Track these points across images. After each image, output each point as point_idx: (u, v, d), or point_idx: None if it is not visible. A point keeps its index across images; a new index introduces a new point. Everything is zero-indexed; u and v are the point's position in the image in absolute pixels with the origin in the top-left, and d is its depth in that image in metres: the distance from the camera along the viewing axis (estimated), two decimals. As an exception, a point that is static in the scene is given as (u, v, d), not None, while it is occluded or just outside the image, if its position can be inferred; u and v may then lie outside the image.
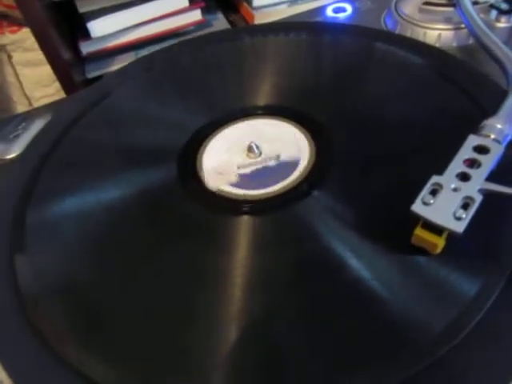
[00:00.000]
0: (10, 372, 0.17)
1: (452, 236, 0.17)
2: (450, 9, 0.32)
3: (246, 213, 0.22)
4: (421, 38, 0.33)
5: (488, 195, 0.18)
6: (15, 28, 0.63)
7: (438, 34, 0.33)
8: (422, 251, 0.18)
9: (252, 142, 0.25)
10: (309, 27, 0.33)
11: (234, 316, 0.18)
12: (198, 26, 0.55)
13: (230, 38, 0.33)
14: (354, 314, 0.18)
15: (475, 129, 0.20)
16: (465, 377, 0.16)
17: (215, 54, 0.32)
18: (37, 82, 0.65)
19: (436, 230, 0.17)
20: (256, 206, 0.22)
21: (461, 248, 0.18)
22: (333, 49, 0.31)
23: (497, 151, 0.19)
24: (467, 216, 0.17)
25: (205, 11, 0.55)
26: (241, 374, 0.16)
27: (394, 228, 0.19)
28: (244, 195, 0.23)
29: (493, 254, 0.18)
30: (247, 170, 0.24)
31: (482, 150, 0.19)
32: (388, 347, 0.16)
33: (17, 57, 0.65)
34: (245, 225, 0.21)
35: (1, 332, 0.19)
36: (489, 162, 0.18)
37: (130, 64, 0.34)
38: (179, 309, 0.19)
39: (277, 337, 0.17)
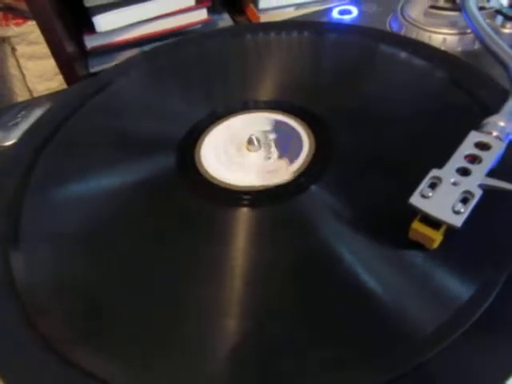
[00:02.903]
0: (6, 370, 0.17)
1: (450, 231, 0.17)
2: (456, 13, 0.32)
3: (243, 204, 0.22)
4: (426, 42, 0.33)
5: (488, 192, 0.17)
6: (20, 21, 0.63)
7: (443, 38, 0.33)
8: (420, 248, 0.18)
9: (252, 135, 0.24)
10: (311, 26, 0.32)
11: (233, 307, 0.18)
12: (204, 25, 0.55)
13: (231, 34, 0.33)
14: (348, 309, 0.17)
15: (477, 126, 0.20)
16: (458, 376, 0.15)
17: (217, 50, 0.32)
18: (40, 75, 0.65)
19: (434, 223, 0.17)
20: (254, 198, 0.22)
21: (460, 247, 0.18)
22: (333, 47, 0.31)
23: (498, 148, 0.18)
24: (466, 210, 0.16)
25: (211, 11, 0.56)
26: (238, 364, 0.16)
27: (392, 224, 0.19)
28: (242, 187, 0.22)
29: (492, 253, 0.18)
30: (246, 162, 0.24)
31: (483, 146, 0.19)
32: (381, 344, 0.16)
33: (21, 49, 0.65)
34: (242, 216, 0.21)
35: None
36: (490, 158, 0.18)
37: (132, 56, 0.34)
38: (178, 300, 0.18)
39: (273, 329, 0.17)
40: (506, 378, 0.15)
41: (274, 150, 0.24)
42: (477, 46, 0.32)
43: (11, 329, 0.18)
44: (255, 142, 0.24)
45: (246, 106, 0.27)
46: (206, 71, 0.31)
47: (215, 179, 0.23)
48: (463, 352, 0.15)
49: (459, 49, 0.32)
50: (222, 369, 0.16)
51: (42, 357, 0.17)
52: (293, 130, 0.25)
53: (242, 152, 0.25)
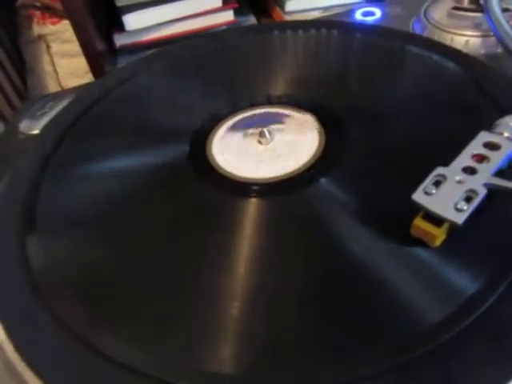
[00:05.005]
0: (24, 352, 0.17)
1: (454, 230, 0.17)
2: (479, 14, 0.32)
3: (252, 195, 0.22)
4: (448, 44, 0.32)
5: (494, 192, 0.17)
6: (56, 20, 0.66)
7: (465, 40, 0.32)
8: (424, 245, 0.18)
9: (264, 128, 0.25)
10: (332, 25, 0.33)
11: (243, 293, 0.18)
12: (230, 26, 0.56)
13: (254, 31, 0.34)
14: (351, 299, 0.17)
15: (489, 127, 0.20)
16: (455, 372, 0.15)
17: (238, 46, 0.33)
18: (71, 72, 0.68)
19: (436, 221, 0.17)
20: (263, 189, 0.22)
21: (463, 246, 0.18)
22: (354, 47, 0.31)
23: (508, 148, 0.18)
24: (469, 208, 0.16)
25: (237, 12, 0.56)
26: (241, 346, 0.16)
27: (400, 220, 0.19)
28: (251, 178, 0.23)
29: (496, 254, 0.17)
30: (257, 154, 0.24)
31: (492, 146, 0.18)
32: (381, 334, 0.16)
33: (55, 47, 0.67)
34: (250, 206, 0.21)
35: (14, 312, 0.19)
36: (498, 158, 0.18)
37: (156, 50, 0.35)
38: (188, 284, 0.19)
39: (280, 315, 0.17)
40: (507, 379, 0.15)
41: (285, 142, 0.24)
42: (500, 48, 0.31)
43: (27, 310, 0.18)
44: (267, 135, 0.25)
45: (261, 101, 0.27)
46: (227, 66, 0.32)
47: (227, 171, 0.23)
48: (461, 349, 0.15)
49: (482, 51, 0.32)
50: (226, 350, 0.16)
51: (57, 338, 0.17)
52: (306, 123, 0.25)
53: (254, 144, 0.25)
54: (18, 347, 0.17)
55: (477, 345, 0.15)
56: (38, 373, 0.16)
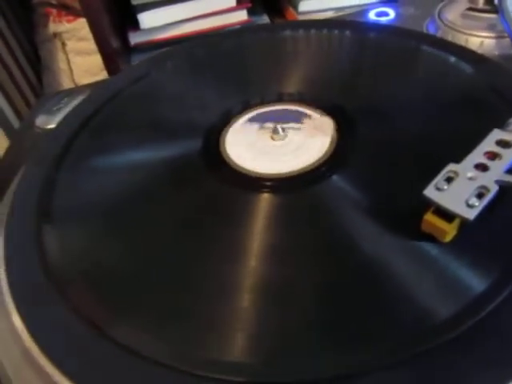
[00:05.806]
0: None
1: (464, 225, 0.17)
2: (494, 15, 0.32)
3: (263, 190, 0.22)
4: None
5: (506, 188, 0.17)
6: (71, 18, 0.67)
7: (480, 41, 0.32)
8: (434, 240, 0.18)
9: (277, 124, 0.25)
10: (345, 25, 0.33)
11: (254, 286, 0.18)
12: (243, 26, 0.57)
13: (266, 30, 0.34)
14: (361, 293, 0.17)
15: (502, 125, 0.20)
16: (458, 370, 0.15)
17: (252, 45, 0.33)
18: (86, 70, 0.68)
19: (447, 216, 0.17)
20: (275, 185, 0.22)
21: (474, 242, 0.18)
22: (365, 46, 0.31)
23: (521, 146, 0.18)
24: (480, 204, 0.16)
25: (251, 12, 0.57)
26: (255, 337, 0.17)
27: (411, 216, 0.19)
28: (264, 173, 0.23)
29: (508, 251, 0.17)
30: (270, 150, 0.24)
31: (505, 144, 0.19)
32: (387, 329, 0.16)
33: (71, 45, 0.68)
34: (262, 201, 0.22)
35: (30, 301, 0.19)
36: (510, 156, 0.18)
37: (170, 48, 0.35)
38: (200, 277, 0.19)
39: (290, 307, 0.17)
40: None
41: (298, 139, 0.25)
42: (515, 50, 0.31)
43: (41, 298, 0.19)
44: (280, 131, 0.25)
45: (274, 98, 0.28)
46: (239, 64, 0.32)
47: (239, 166, 0.24)
48: (469, 347, 0.15)
49: (496, 52, 0.32)
50: (234, 340, 0.17)
51: (70, 325, 0.18)
52: (318, 121, 0.25)
53: (267, 140, 0.25)
54: (33, 334, 0.18)
55: (485, 343, 0.15)
56: (54, 360, 0.17)
